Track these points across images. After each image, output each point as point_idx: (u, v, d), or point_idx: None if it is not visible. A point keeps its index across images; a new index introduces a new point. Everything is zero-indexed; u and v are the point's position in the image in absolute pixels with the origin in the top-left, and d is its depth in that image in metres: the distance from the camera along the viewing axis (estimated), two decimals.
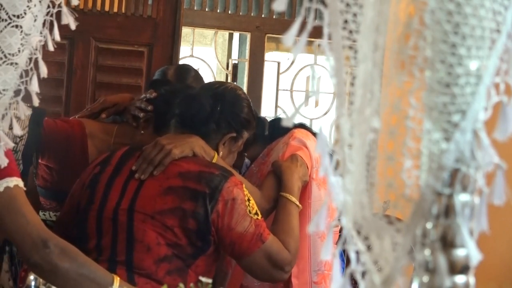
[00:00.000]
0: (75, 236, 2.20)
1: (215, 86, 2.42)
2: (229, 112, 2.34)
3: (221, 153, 2.34)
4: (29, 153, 2.36)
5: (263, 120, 2.74)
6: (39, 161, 2.49)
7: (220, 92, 2.36)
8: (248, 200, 2.18)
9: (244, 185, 2.22)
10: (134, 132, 2.56)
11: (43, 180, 2.51)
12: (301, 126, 2.66)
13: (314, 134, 2.63)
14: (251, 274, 2.29)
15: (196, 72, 2.75)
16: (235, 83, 5.36)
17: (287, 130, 2.57)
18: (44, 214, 2.51)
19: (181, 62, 4.33)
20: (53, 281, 1.95)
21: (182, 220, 2.12)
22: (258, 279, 2.35)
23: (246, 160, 2.68)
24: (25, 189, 1.95)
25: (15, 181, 1.91)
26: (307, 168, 2.48)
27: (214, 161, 2.28)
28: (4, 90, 1.46)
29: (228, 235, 2.14)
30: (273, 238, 2.19)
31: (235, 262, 2.34)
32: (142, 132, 2.53)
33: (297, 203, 2.37)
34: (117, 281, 1.96)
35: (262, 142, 2.63)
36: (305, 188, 2.49)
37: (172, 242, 2.12)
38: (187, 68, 2.76)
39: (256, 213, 2.18)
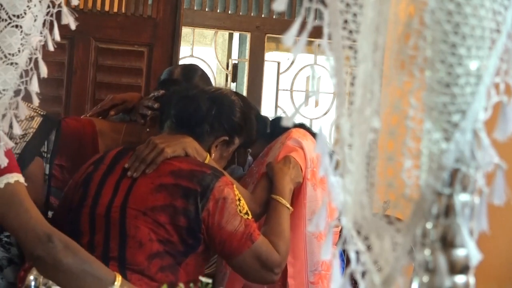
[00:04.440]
0: (68, 233, 2.21)
1: (212, 90, 2.46)
2: (224, 115, 2.37)
3: (213, 156, 2.36)
4: (28, 157, 2.36)
5: (264, 118, 2.75)
6: (54, 162, 2.49)
7: (216, 96, 2.39)
8: (239, 200, 2.20)
9: (235, 186, 2.24)
10: (142, 130, 2.58)
11: (55, 179, 2.52)
12: (301, 126, 2.66)
13: (313, 134, 2.63)
14: (240, 274, 2.30)
15: (203, 71, 2.77)
16: (234, 84, 5.38)
17: (287, 128, 2.57)
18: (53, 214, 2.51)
19: (181, 62, 4.33)
20: (55, 275, 1.95)
21: (173, 217, 2.15)
22: (247, 280, 2.35)
23: (250, 158, 2.69)
24: (26, 184, 1.96)
25: (16, 177, 1.92)
26: (301, 169, 2.48)
27: (206, 162, 2.30)
28: (4, 90, 1.46)
29: (218, 233, 2.16)
30: (263, 239, 2.21)
31: (226, 261, 2.34)
32: (148, 130, 2.55)
33: (288, 205, 2.38)
34: (119, 279, 1.97)
35: (264, 140, 2.63)
36: (300, 189, 2.49)
37: (164, 238, 2.14)
38: (194, 68, 2.78)
39: (246, 213, 2.20)
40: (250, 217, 2.21)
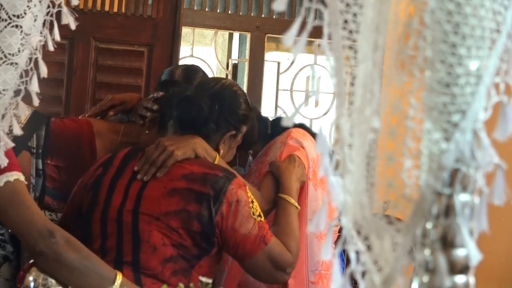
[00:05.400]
0: (79, 238, 2.20)
1: (211, 84, 2.39)
2: (228, 110, 2.34)
3: (221, 152, 2.34)
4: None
5: (265, 119, 2.75)
6: (48, 161, 2.49)
7: (217, 91, 2.35)
8: (252, 202, 2.18)
9: (247, 187, 2.22)
10: (140, 131, 2.57)
11: (52, 180, 2.51)
12: (300, 126, 2.66)
13: (313, 134, 2.63)
14: (253, 276, 2.29)
15: (204, 73, 2.75)
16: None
17: (286, 128, 2.57)
18: (50, 215, 2.51)
19: (181, 62, 4.33)
20: (57, 270, 1.96)
21: (187, 222, 2.13)
22: (260, 281, 2.34)
23: (250, 158, 2.69)
24: (26, 182, 1.98)
25: (16, 175, 1.94)
26: (304, 168, 2.49)
27: (215, 162, 2.28)
28: (4, 90, 1.46)
29: (232, 236, 2.14)
30: (275, 240, 2.20)
31: (232, 261, 2.34)
32: (147, 132, 2.54)
33: (296, 204, 2.37)
34: (120, 277, 1.98)
35: (264, 140, 2.63)
36: (302, 189, 2.49)
37: (177, 242, 2.13)
38: (194, 69, 2.76)
39: (259, 215, 2.18)
40: (262, 218, 2.19)
